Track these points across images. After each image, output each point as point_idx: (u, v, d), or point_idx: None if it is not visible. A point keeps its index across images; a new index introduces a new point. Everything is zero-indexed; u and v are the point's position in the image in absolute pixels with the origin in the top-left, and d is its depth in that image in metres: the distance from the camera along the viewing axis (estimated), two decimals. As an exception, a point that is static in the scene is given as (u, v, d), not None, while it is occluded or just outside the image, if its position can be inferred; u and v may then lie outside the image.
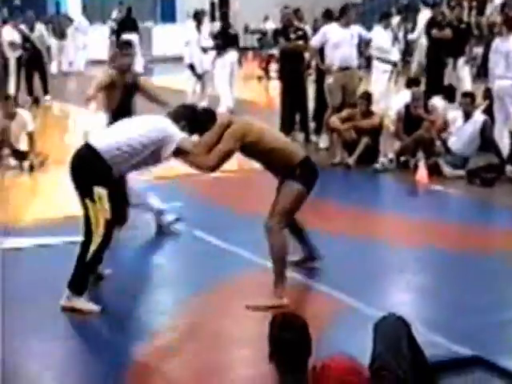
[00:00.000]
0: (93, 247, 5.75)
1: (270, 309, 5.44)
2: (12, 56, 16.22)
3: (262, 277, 6.19)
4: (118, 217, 6.28)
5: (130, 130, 5.92)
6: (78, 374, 5.02)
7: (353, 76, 11.65)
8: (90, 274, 5.91)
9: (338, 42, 11.34)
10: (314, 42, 11.79)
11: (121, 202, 6.41)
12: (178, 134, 5.86)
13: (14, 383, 4.79)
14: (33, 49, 16.54)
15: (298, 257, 6.51)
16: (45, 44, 17.31)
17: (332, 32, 11.48)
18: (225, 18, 16.76)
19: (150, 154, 5.88)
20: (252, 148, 5.98)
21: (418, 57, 16.61)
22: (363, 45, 12.37)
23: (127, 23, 21.32)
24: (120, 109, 7.14)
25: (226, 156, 5.93)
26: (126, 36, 21.09)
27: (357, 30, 11.90)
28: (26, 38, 16.51)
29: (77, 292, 5.79)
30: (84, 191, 5.80)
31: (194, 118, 6.14)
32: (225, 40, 15.33)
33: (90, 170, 5.83)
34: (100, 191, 5.76)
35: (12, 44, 16.15)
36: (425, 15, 16.36)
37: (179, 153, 5.89)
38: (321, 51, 11.69)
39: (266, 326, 3.55)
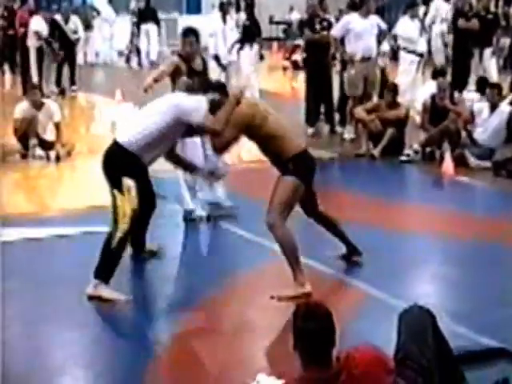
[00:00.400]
0: (119, 234, 5.85)
1: (295, 298, 5.48)
2: (32, 45, 16.33)
3: (286, 266, 6.21)
4: (149, 204, 6.38)
5: (148, 117, 6.05)
6: (103, 361, 5.05)
7: (374, 66, 11.65)
8: (115, 261, 5.93)
9: (360, 32, 11.35)
10: (336, 31, 11.73)
11: (150, 190, 6.45)
12: (196, 109, 5.96)
13: (40, 371, 4.84)
14: (65, 40, 16.68)
15: (340, 251, 6.51)
16: (77, 35, 17.44)
17: (354, 22, 11.46)
18: (248, 9, 16.70)
19: (174, 132, 6.05)
20: (254, 131, 5.99)
21: (434, 46, 16.46)
22: (382, 35, 12.32)
23: (147, 13, 21.32)
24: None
25: (228, 143, 6.03)
26: (144, 27, 21.22)
27: (375, 19, 11.87)
28: (60, 30, 16.67)
29: (103, 279, 5.84)
30: (113, 182, 5.92)
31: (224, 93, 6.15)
32: (245, 33, 15.34)
33: (120, 165, 5.99)
34: (129, 183, 5.89)
35: (36, 33, 16.28)
36: (436, 4, 16.26)
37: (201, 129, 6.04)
38: (341, 41, 11.67)
39: (290, 315, 3.56)
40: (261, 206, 7.78)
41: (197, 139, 7.24)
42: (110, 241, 5.90)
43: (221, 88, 6.27)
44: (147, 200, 6.29)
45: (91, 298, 5.81)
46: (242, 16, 17.88)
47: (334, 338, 3.49)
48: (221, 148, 6.12)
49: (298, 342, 3.50)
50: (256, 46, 15.31)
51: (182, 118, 5.97)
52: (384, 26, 12.72)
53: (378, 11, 14.62)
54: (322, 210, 6.42)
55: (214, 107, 5.99)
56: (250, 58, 15.22)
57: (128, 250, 6.32)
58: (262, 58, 15.64)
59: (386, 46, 13.46)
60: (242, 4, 19.74)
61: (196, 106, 6.03)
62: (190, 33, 7.60)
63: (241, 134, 6.04)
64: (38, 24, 16.45)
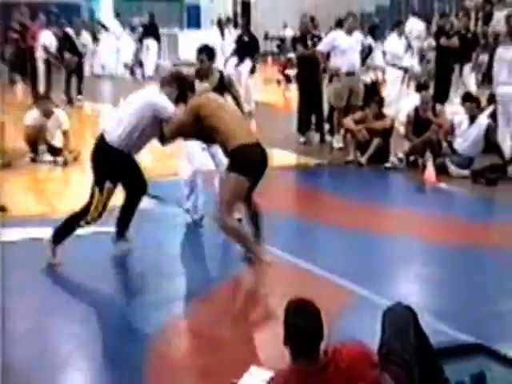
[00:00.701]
0: (88, 218, 6.35)
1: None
2: (40, 57, 16.53)
3: (281, 266, 6.29)
4: (138, 189, 6.64)
5: (129, 115, 6.27)
6: (106, 353, 5.03)
7: (358, 80, 11.69)
8: (71, 233, 6.45)
9: (345, 49, 11.40)
10: (322, 47, 11.72)
11: (139, 176, 6.63)
12: (168, 106, 6.23)
13: (47, 362, 4.83)
14: (75, 52, 16.72)
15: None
16: (87, 49, 17.52)
17: (340, 39, 11.51)
18: (243, 26, 16.70)
19: (152, 127, 6.25)
20: (200, 121, 6.10)
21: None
22: (365, 51, 12.43)
23: (148, 29, 21.31)
24: None
25: (179, 127, 6.19)
26: (145, 41, 21.21)
27: (359, 37, 11.98)
28: (71, 42, 16.78)
29: (55, 242, 6.37)
30: (98, 180, 6.32)
31: (183, 87, 6.40)
32: (239, 49, 15.32)
33: (108, 161, 6.33)
34: (109, 187, 6.28)
35: (44, 47, 16.37)
36: (411, 23, 16.32)
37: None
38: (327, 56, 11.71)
39: (282, 312, 3.55)
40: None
41: None
42: (72, 219, 6.41)
43: (178, 79, 6.45)
44: (136, 188, 6.60)
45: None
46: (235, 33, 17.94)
47: (322, 334, 3.48)
48: (168, 136, 6.27)
49: (289, 337, 3.49)
50: (248, 63, 15.29)
51: (155, 113, 6.21)
52: (368, 42, 12.84)
53: (371, 30, 14.80)
54: (253, 198, 6.47)
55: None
56: (247, 71, 15.23)
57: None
58: (253, 71, 15.57)
59: (379, 61, 13.48)
60: (240, 20, 19.84)
61: (165, 102, 6.25)
62: (203, 50, 7.50)
63: (184, 124, 6.17)
64: (47, 38, 16.57)
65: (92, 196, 6.33)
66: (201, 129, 6.20)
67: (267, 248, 6.58)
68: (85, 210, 6.35)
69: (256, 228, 6.50)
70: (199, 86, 6.84)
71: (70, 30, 17.22)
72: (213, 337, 5.16)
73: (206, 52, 7.47)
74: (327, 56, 11.64)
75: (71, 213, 6.48)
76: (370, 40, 13.67)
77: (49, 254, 6.34)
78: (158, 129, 6.30)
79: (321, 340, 3.48)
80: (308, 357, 3.47)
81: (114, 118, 6.54)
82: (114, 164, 6.34)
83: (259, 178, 6.25)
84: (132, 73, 22.44)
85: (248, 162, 6.10)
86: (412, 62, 13.92)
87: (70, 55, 16.69)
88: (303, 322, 3.48)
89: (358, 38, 11.81)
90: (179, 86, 6.43)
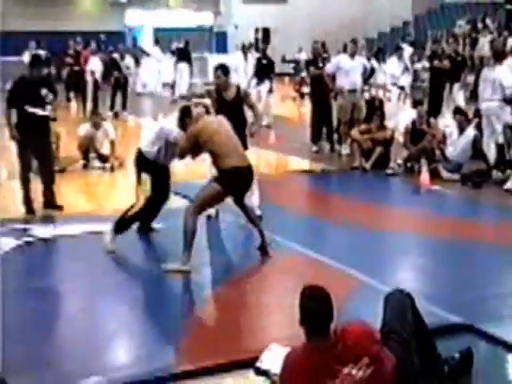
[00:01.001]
0: (132, 212, 6.72)
1: (177, 272, 5.88)
2: (89, 79, 17.05)
3: (289, 255, 6.33)
4: (163, 193, 7.00)
5: (150, 136, 6.88)
6: (148, 329, 5.05)
7: (359, 97, 11.70)
8: (128, 226, 6.70)
9: (348, 70, 11.38)
10: (329, 69, 11.72)
11: (165, 185, 7.03)
12: (173, 132, 6.61)
13: (98, 337, 4.87)
14: (120, 74, 16.92)
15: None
16: (130, 70, 17.71)
17: (344, 62, 11.50)
18: (261, 51, 16.65)
19: (168, 147, 6.71)
20: (202, 144, 6.10)
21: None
22: (366, 72, 12.41)
23: (182, 54, 21.32)
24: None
25: (184, 153, 6.37)
26: (179, 65, 21.22)
27: (361, 60, 11.97)
28: (117, 65, 16.99)
29: (115, 232, 6.54)
30: (140, 183, 7.00)
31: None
32: (259, 70, 15.28)
33: (144, 169, 6.95)
34: (144, 177, 6.87)
35: (91, 72, 16.93)
36: (407, 51, 16.31)
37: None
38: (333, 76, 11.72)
39: (297, 296, 3.56)
40: (269, 208, 7.79)
41: None
42: (126, 212, 6.72)
43: (186, 113, 6.55)
44: (161, 192, 6.94)
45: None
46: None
47: (332, 315, 3.48)
48: (179, 155, 6.50)
49: (303, 318, 3.50)
50: (267, 83, 15.25)
51: (166, 137, 6.70)
52: (370, 65, 12.84)
53: (376, 53, 14.88)
54: (246, 203, 6.51)
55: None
56: (266, 90, 15.21)
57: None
58: (271, 91, 15.52)
59: (381, 80, 13.47)
60: (261, 45, 19.82)
61: (173, 129, 6.64)
62: (218, 68, 7.52)
63: (188, 150, 6.26)
64: (95, 64, 16.80)
65: (137, 195, 6.81)
66: (200, 149, 6.25)
67: (282, 241, 6.62)
68: (132, 207, 6.76)
69: (257, 228, 6.48)
70: (194, 110, 6.82)
71: (115, 55, 17.39)
72: (238, 316, 5.19)
73: (222, 69, 7.49)
74: (333, 76, 11.64)
75: (124, 210, 6.75)
76: (373, 62, 13.67)
77: (107, 242, 6.48)
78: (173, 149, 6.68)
79: (331, 321, 3.48)
80: (320, 336, 3.47)
81: (146, 136, 7.01)
82: (150, 171, 6.87)
83: (244, 192, 6.35)
84: (173, 91, 22.36)
85: (233, 183, 6.11)
86: (407, 81, 13.90)
87: (116, 76, 16.85)
88: (315, 306, 3.48)
89: (360, 61, 11.81)
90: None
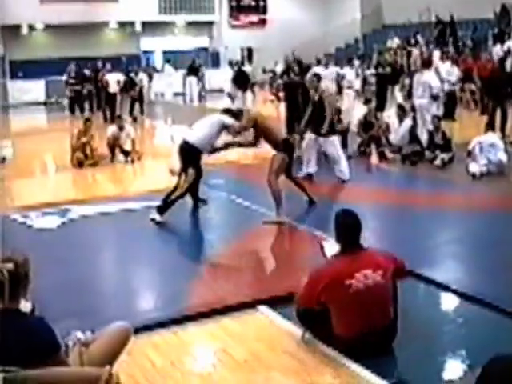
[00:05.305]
0: (176, 194, 6.48)
1: (276, 223, 6.01)
2: (113, 91, 16.40)
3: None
4: (199, 176, 6.83)
5: (205, 127, 6.59)
6: (166, 284, 5.02)
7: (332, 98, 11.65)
8: (170, 206, 6.44)
9: (322, 78, 11.31)
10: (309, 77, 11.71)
11: (201, 168, 6.89)
12: (230, 121, 6.60)
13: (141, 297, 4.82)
14: (135, 87, 16.76)
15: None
16: (143, 83, 17.57)
17: (319, 71, 11.41)
18: (238, 65, 16.52)
19: (218, 135, 6.66)
20: (259, 127, 6.45)
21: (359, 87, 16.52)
22: (339, 78, 12.44)
23: (190, 69, 21.16)
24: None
25: (243, 129, 6.55)
26: (188, 78, 21.00)
27: (334, 69, 11.96)
28: (132, 81, 16.79)
29: (160, 213, 6.36)
30: (183, 168, 6.57)
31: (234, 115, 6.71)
32: (238, 81, 15.08)
33: (188, 156, 6.54)
34: (191, 171, 6.51)
35: (118, 81, 16.43)
36: (356, 63, 16.37)
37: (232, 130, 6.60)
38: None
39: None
40: (256, 187, 7.77)
41: None
42: (170, 195, 6.46)
43: (239, 112, 6.79)
44: (199, 174, 6.79)
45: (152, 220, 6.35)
46: (248, 68, 17.72)
47: (361, 228, 3.53)
48: (238, 131, 6.61)
49: (340, 234, 3.54)
50: (249, 94, 15.07)
51: (224, 125, 6.56)
52: (340, 72, 12.92)
53: (349, 60, 14.92)
54: (294, 175, 6.90)
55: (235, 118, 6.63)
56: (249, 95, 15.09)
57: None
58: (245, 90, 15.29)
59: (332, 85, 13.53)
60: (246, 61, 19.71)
61: (228, 119, 6.61)
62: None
63: (247, 127, 6.50)
64: (116, 78, 16.45)
65: (179, 178, 6.57)
66: (259, 129, 6.54)
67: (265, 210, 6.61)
68: (175, 189, 6.52)
69: (304, 192, 6.93)
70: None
71: (132, 74, 17.27)
72: (254, 265, 5.21)
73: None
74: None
75: (168, 191, 6.57)
76: (346, 69, 13.72)
77: (155, 217, 6.37)
78: (218, 136, 6.68)
79: (360, 233, 3.52)
80: (353, 247, 3.51)
81: (193, 129, 6.71)
82: (192, 157, 6.54)
83: (292, 159, 6.64)
84: (184, 99, 22.08)
85: (290, 148, 6.57)
86: (358, 85, 13.98)
87: (133, 89, 16.69)
88: (350, 220, 3.53)
89: (333, 70, 11.91)
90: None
